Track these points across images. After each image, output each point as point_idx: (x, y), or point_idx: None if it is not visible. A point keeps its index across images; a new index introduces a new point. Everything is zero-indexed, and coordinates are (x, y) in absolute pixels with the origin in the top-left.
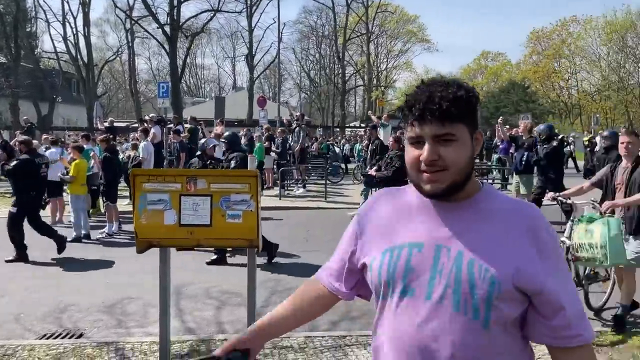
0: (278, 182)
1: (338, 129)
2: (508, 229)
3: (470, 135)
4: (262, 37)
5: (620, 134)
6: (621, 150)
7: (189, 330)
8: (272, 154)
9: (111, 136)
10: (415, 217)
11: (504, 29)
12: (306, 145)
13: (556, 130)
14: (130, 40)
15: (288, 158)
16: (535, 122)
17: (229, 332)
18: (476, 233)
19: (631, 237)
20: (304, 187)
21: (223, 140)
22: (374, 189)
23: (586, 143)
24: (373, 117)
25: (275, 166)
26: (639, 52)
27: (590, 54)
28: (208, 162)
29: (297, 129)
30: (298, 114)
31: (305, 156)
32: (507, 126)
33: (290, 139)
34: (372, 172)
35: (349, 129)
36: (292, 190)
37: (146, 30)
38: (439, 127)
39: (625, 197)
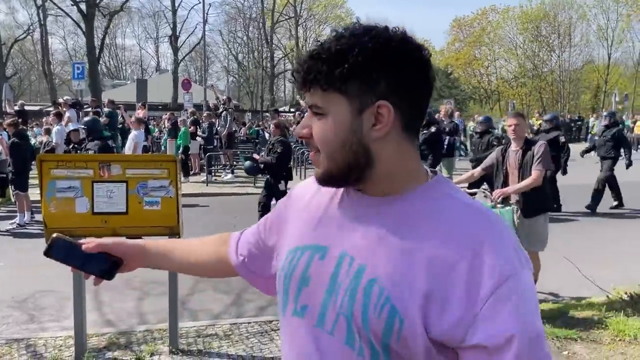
0: (205, 167)
1: (267, 114)
2: (439, 244)
3: (356, 109)
4: (187, 17)
5: (507, 116)
6: (509, 132)
7: (108, 323)
8: (198, 138)
9: (20, 120)
10: (331, 212)
11: (429, 16)
12: (234, 129)
13: (437, 116)
14: (42, 17)
15: (215, 143)
16: (458, 108)
17: (151, 323)
18: (392, 243)
19: (527, 220)
20: (232, 172)
21: (83, 126)
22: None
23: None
24: (302, 102)
25: (201, 151)
26: (552, 41)
27: (508, 43)
28: (71, 147)
29: (224, 113)
30: (225, 97)
31: (233, 141)
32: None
33: (217, 123)
34: (257, 156)
35: (279, 114)
36: (220, 176)
37: (59, 7)
38: (307, 94)
39: (519, 179)
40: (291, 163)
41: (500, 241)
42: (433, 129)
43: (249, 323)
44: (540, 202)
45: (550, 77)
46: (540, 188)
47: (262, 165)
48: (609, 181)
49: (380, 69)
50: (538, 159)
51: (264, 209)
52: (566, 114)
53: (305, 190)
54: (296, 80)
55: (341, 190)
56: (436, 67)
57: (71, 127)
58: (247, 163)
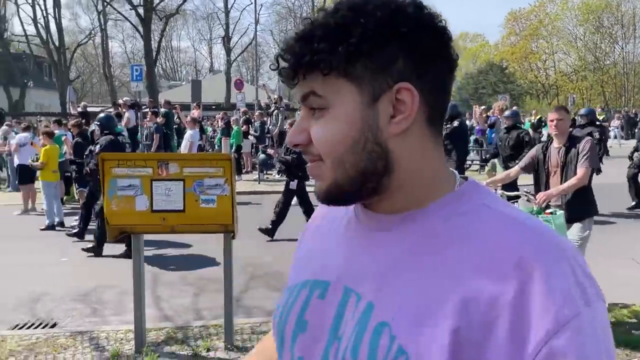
0: (257, 166)
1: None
2: (473, 273)
3: (369, 96)
4: (239, 18)
5: (549, 111)
6: (551, 128)
7: (166, 318)
8: (250, 137)
9: (83, 121)
10: (337, 237)
11: (483, 10)
12: (285, 128)
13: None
14: (102, 22)
15: (267, 142)
16: (514, 103)
17: (206, 319)
18: (409, 273)
19: (570, 225)
20: None
21: (96, 122)
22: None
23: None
24: None
25: (253, 150)
26: (615, 32)
27: (567, 35)
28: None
29: (276, 111)
30: (276, 96)
31: (284, 139)
32: (484, 107)
33: (269, 122)
34: (271, 151)
35: None
36: (271, 174)
37: (119, 12)
38: (300, 84)
39: (561, 179)
40: None
41: (557, 269)
42: (456, 123)
43: None
44: (585, 205)
45: (613, 70)
46: (585, 189)
47: (279, 164)
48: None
49: (396, 42)
50: (584, 155)
51: (282, 208)
52: (630, 108)
53: (318, 214)
54: (281, 73)
55: (351, 207)
56: (490, 61)
57: (92, 127)
58: (262, 156)
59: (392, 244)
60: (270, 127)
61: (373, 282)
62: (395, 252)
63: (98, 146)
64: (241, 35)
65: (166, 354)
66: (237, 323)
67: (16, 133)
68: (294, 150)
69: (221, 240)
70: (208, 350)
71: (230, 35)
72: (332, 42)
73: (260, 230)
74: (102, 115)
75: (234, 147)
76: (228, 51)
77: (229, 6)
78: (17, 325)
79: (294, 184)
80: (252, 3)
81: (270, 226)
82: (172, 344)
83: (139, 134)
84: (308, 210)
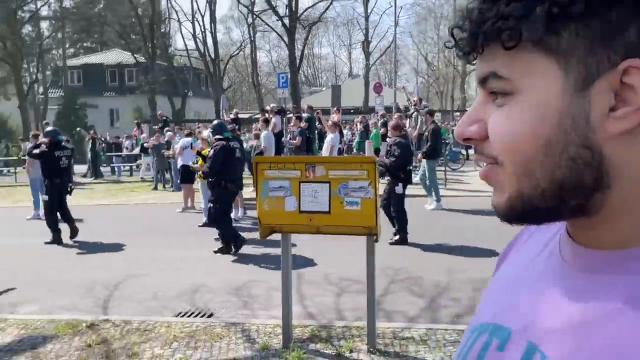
0: None
1: (458, 113)
2: None
3: (577, 79)
4: (378, 22)
5: None
6: None
7: (310, 316)
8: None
9: (236, 127)
10: (531, 272)
11: None
12: (424, 129)
13: None
14: (252, 34)
15: None
16: None
17: (348, 319)
18: (618, 335)
19: None
20: None
21: (210, 129)
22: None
23: None
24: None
25: None
26: None
27: None
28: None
29: (415, 113)
30: (416, 98)
31: (422, 142)
32: None
33: (407, 124)
34: (374, 156)
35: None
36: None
37: (267, 24)
38: (480, 60)
39: None
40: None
41: None
42: None
43: (445, 330)
44: None
45: None
46: None
47: (379, 167)
48: None
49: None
50: None
51: (397, 215)
52: None
53: (523, 234)
54: (457, 44)
55: (558, 235)
56: None
57: (206, 133)
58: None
59: (601, 291)
60: (408, 129)
61: (565, 342)
62: (603, 304)
63: (212, 151)
64: (380, 39)
65: (311, 351)
66: (379, 327)
67: (179, 139)
68: (393, 153)
69: (362, 241)
70: (351, 351)
71: (369, 39)
72: (526, 2)
73: (392, 244)
74: (215, 122)
75: (372, 150)
76: (367, 55)
77: (369, 11)
78: (180, 313)
79: (399, 188)
80: (391, 6)
81: (397, 236)
82: (316, 342)
83: (284, 138)
84: (388, 214)
